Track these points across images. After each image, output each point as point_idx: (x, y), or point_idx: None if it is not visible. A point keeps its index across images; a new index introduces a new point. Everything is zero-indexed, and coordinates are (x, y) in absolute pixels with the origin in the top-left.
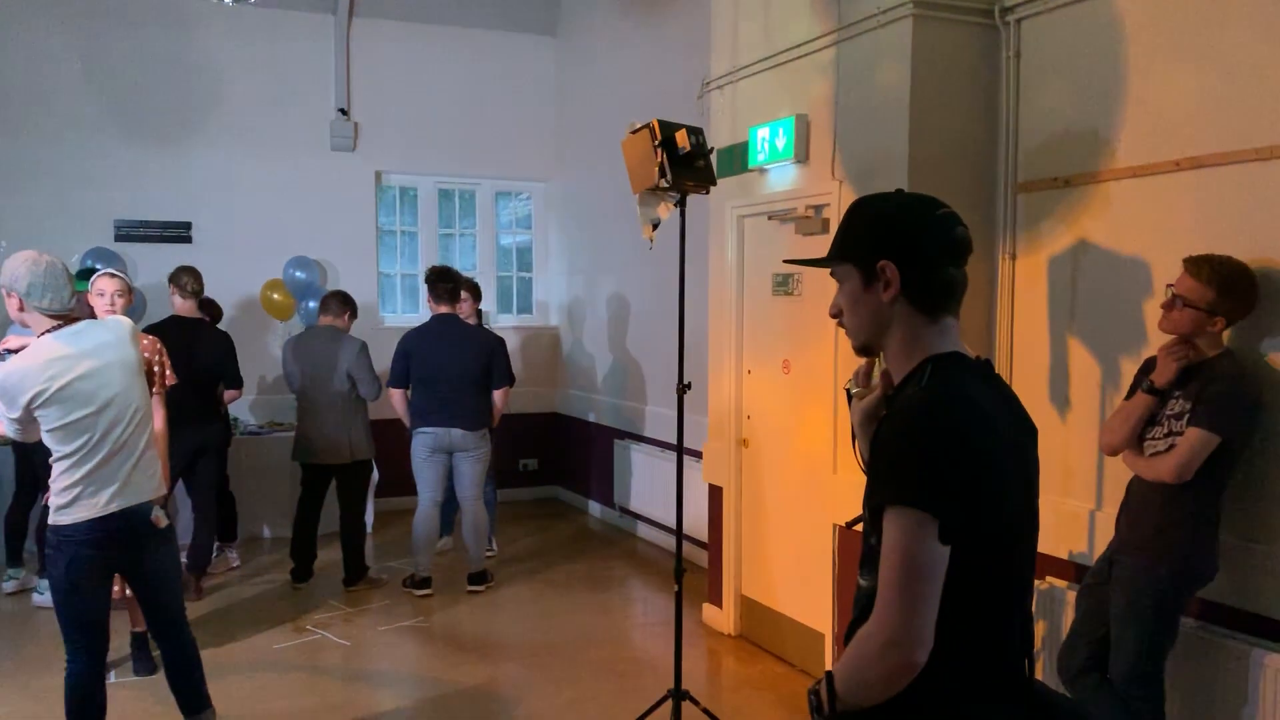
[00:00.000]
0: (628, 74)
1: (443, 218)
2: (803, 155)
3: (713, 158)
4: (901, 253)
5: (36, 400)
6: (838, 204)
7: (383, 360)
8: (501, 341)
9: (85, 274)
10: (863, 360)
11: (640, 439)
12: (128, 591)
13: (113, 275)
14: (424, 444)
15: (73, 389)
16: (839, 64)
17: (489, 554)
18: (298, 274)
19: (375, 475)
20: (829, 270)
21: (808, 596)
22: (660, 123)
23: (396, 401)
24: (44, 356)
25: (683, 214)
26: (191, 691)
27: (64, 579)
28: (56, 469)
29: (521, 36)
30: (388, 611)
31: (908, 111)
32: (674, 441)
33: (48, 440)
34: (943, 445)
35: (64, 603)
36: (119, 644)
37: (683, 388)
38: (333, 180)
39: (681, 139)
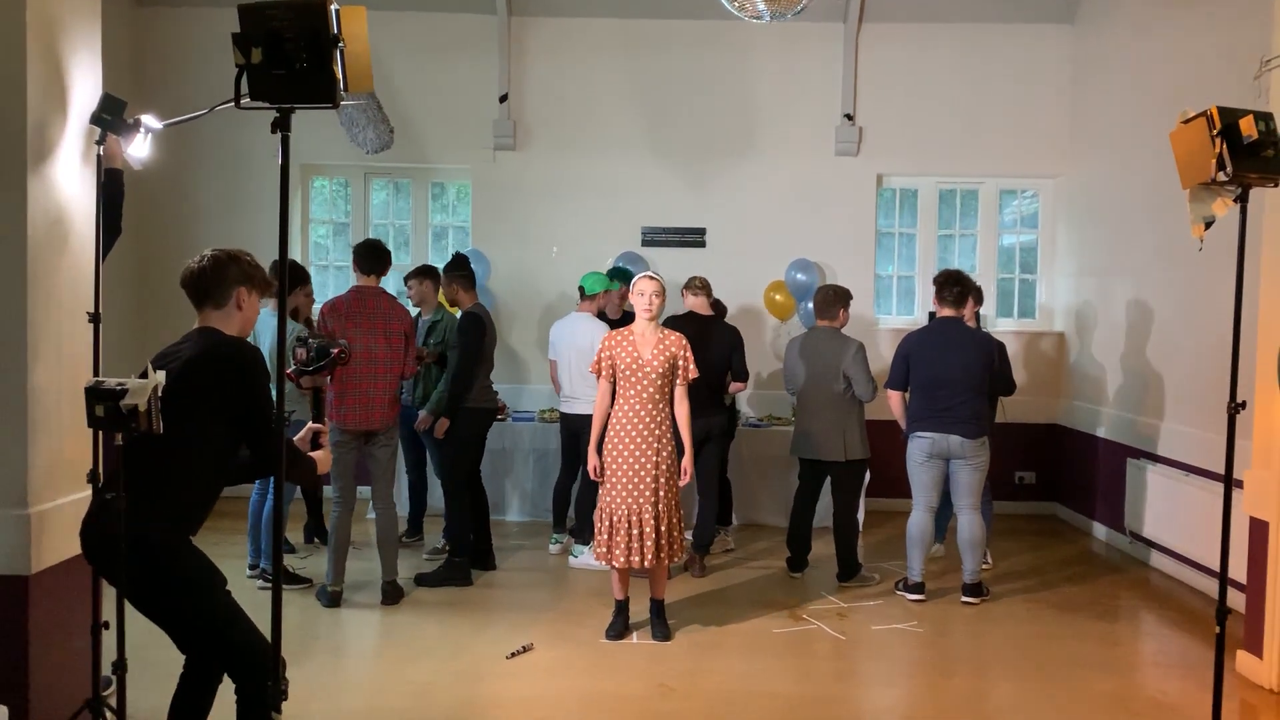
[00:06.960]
0: (1159, 57)
1: (942, 219)
2: None
3: None
4: None
5: None
6: None
7: (877, 360)
8: (1002, 346)
9: (617, 273)
10: None
11: (1157, 459)
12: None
13: (652, 278)
14: (921, 448)
15: None
16: None
17: (984, 566)
18: (799, 276)
19: (868, 476)
20: None
21: None
22: (1220, 109)
23: (893, 403)
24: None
25: (1244, 210)
26: None
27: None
28: None
29: (1035, 27)
30: (880, 611)
31: None
32: (1196, 464)
33: None
34: None
35: None
36: (639, 609)
37: (1235, 407)
38: (835, 184)
39: (1247, 126)
